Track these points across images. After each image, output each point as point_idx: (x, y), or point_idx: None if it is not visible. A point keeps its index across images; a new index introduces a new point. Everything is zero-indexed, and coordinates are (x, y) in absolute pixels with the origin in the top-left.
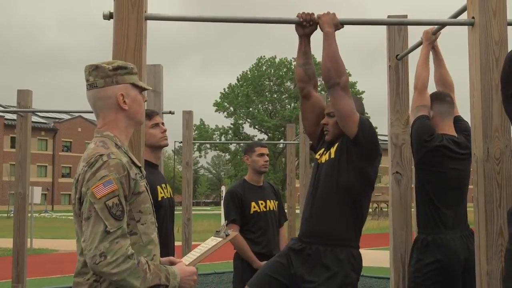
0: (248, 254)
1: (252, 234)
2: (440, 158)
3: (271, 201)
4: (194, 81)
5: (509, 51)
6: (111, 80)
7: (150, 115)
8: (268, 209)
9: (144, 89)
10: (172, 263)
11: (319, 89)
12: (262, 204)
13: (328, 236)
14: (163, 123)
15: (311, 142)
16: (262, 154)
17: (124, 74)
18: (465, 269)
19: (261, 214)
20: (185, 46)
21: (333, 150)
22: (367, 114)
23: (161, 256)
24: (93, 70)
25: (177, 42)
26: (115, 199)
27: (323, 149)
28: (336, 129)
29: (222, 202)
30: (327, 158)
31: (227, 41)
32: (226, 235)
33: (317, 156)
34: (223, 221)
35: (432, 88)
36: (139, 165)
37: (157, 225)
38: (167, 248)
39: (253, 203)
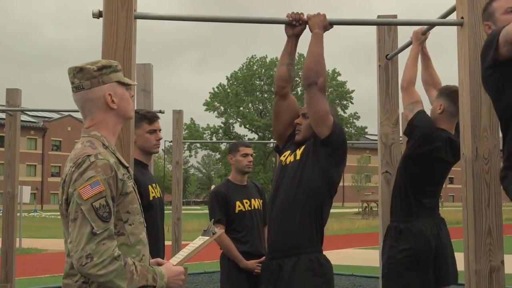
0: (235, 254)
1: (238, 233)
2: (438, 154)
3: (256, 199)
4: (190, 80)
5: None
6: (97, 80)
7: (151, 119)
8: (253, 208)
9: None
10: (159, 265)
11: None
12: (247, 203)
13: (287, 247)
14: (160, 130)
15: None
16: (246, 154)
17: (110, 73)
18: (436, 255)
19: (246, 213)
20: (180, 44)
21: (299, 152)
22: (357, 114)
23: (151, 255)
24: (78, 73)
25: (173, 40)
26: (102, 200)
27: (288, 151)
28: (308, 131)
29: None
30: (292, 160)
31: (224, 39)
32: (213, 233)
33: (282, 158)
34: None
35: (419, 88)
36: (127, 165)
37: (145, 225)
38: (158, 247)
39: (237, 202)
